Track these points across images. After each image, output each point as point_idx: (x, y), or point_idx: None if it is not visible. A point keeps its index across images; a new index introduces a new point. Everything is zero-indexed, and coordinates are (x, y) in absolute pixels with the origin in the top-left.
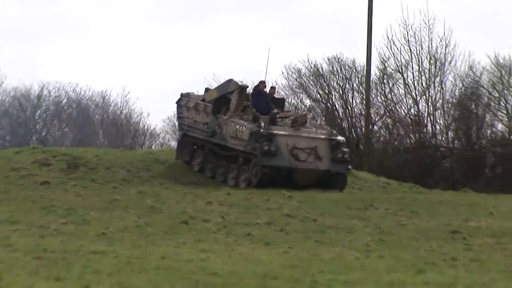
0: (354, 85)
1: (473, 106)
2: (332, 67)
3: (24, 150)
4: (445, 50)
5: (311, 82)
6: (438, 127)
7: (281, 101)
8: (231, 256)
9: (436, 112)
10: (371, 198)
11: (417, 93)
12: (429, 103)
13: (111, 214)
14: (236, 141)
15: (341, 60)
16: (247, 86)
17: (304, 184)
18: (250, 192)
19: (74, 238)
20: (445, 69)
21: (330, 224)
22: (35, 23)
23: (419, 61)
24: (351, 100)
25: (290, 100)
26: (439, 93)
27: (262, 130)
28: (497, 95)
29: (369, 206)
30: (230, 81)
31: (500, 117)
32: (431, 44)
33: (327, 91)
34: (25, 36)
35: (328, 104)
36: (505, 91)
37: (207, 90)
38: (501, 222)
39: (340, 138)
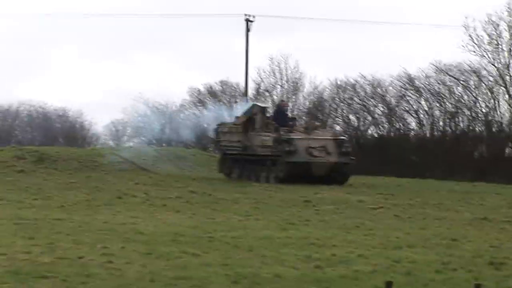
0: (237, 101)
1: (319, 114)
2: (222, 87)
3: (6, 148)
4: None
5: (207, 99)
6: None
7: (294, 119)
8: (152, 220)
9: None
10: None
11: None
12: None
13: (68, 192)
14: (264, 149)
15: (228, 83)
16: (267, 107)
17: (320, 175)
18: (166, 175)
19: (42, 209)
20: (298, 88)
21: (221, 197)
22: None
23: (281, 84)
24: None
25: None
26: (295, 105)
27: (283, 136)
28: (335, 106)
29: (247, 184)
30: (254, 105)
31: (339, 122)
32: (287, 73)
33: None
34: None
35: None
36: (341, 103)
37: (236, 117)
38: (337, 193)
39: (343, 137)
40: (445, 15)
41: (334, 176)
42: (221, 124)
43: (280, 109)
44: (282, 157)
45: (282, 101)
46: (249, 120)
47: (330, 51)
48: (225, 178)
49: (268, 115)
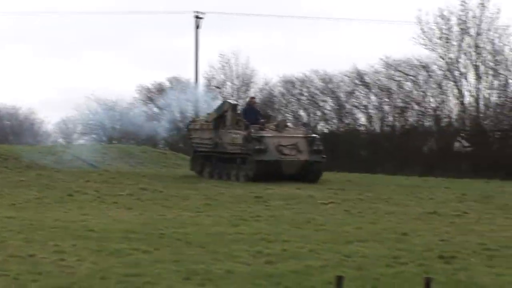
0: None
1: (269, 110)
2: (172, 84)
3: None
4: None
5: (156, 96)
6: None
7: (269, 117)
8: (103, 217)
9: None
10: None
11: None
12: None
13: (19, 190)
14: (234, 146)
15: (178, 79)
16: (238, 104)
17: (290, 173)
18: (116, 172)
19: None
20: (249, 85)
21: (172, 194)
22: None
23: (231, 80)
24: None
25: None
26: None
27: (252, 134)
28: (285, 102)
29: (198, 181)
30: (224, 102)
31: (289, 118)
32: (238, 69)
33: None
34: None
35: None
36: (290, 99)
37: (208, 114)
38: (288, 188)
39: (315, 135)
40: (398, 10)
41: (306, 174)
42: (193, 121)
43: (250, 106)
44: (252, 156)
45: (252, 98)
46: (220, 117)
47: (282, 48)
48: (196, 175)
49: (239, 112)
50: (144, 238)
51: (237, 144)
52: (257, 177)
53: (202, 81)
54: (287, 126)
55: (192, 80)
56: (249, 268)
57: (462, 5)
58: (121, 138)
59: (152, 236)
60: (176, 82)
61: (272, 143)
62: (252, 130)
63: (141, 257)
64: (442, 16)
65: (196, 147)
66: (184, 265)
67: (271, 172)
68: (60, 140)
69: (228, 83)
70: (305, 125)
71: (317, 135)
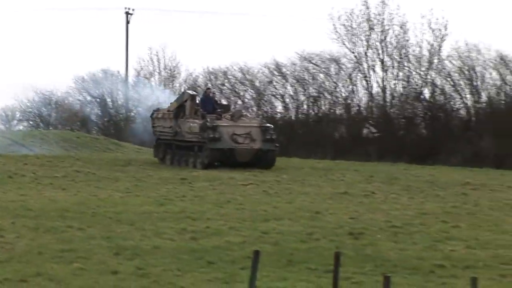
0: (119, 87)
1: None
2: (105, 75)
3: None
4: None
5: (90, 85)
6: None
7: (227, 106)
8: (40, 198)
9: None
10: (129, 159)
11: None
12: None
13: None
14: (191, 135)
15: (109, 71)
16: (197, 94)
17: (244, 161)
18: (52, 156)
19: None
20: (174, 76)
21: (103, 176)
22: None
23: (159, 71)
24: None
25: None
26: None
27: (208, 123)
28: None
29: (128, 164)
30: (184, 92)
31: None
32: (165, 62)
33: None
34: None
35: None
36: (213, 89)
37: (170, 104)
38: (211, 171)
39: (269, 125)
40: (313, 8)
41: (259, 161)
42: (156, 110)
43: (206, 96)
44: (207, 144)
45: (208, 88)
46: (180, 107)
47: (206, 41)
48: (159, 162)
49: (197, 102)
50: (77, 217)
51: (194, 133)
52: (212, 164)
53: (132, 72)
54: (242, 116)
55: (123, 71)
56: (174, 243)
57: (365, 4)
58: (57, 125)
59: (85, 215)
60: (108, 73)
61: (227, 132)
62: (208, 120)
63: (75, 234)
64: (351, 14)
65: (158, 135)
66: (115, 241)
67: (226, 159)
68: (0, 127)
69: (156, 74)
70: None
71: (270, 125)
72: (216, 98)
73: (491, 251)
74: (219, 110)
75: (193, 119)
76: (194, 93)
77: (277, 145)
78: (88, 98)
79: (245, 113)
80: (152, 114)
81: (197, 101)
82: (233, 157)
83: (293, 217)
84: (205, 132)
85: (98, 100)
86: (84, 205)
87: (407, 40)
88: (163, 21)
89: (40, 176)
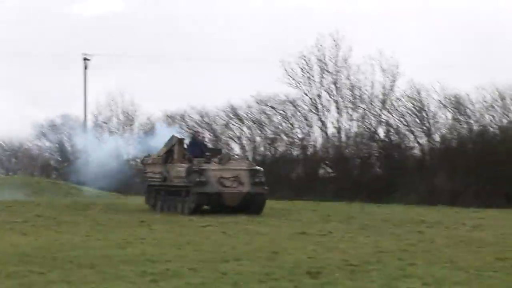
0: (77, 132)
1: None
2: (63, 120)
3: None
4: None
5: (49, 131)
6: None
7: (217, 150)
8: (1, 242)
9: None
10: (90, 202)
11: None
12: None
13: None
14: (178, 179)
15: (68, 116)
16: (184, 138)
17: (232, 205)
18: (13, 201)
19: None
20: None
21: (64, 220)
22: None
23: (117, 116)
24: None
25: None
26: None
27: (194, 167)
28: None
29: (88, 208)
30: (172, 136)
31: None
32: (123, 106)
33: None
34: None
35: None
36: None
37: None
38: (168, 215)
39: (258, 168)
40: (266, 51)
41: (249, 205)
42: (147, 156)
43: (194, 140)
44: (193, 188)
45: (196, 132)
46: (169, 152)
47: (164, 85)
48: (149, 209)
49: (185, 146)
50: (38, 261)
51: (181, 177)
52: (199, 209)
53: (90, 117)
54: (230, 159)
55: (81, 116)
56: (135, 286)
57: (317, 46)
58: (17, 170)
59: (46, 259)
60: (66, 119)
61: (214, 175)
62: (195, 163)
63: (35, 279)
64: (303, 57)
65: (149, 181)
66: (75, 285)
67: (213, 203)
68: None
69: (114, 119)
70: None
71: (260, 168)
72: (205, 142)
73: None
74: (208, 154)
75: (181, 163)
76: (182, 137)
77: (266, 188)
78: (47, 144)
79: (233, 156)
80: (143, 160)
81: (185, 145)
82: (221, 201)
83: (252, 257)
84: (190, 176)
85: (57, 145)
86: (44, 249)
87: (360, 81)
88: (120, 66)
89: (0, 221)
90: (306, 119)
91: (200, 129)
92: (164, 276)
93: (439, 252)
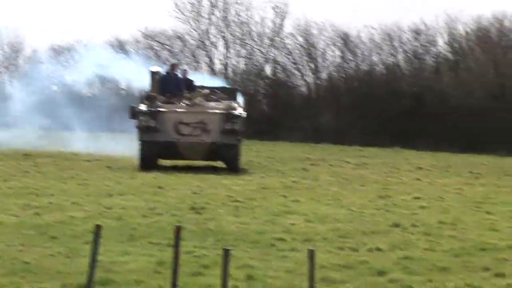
0: None
1: None
2: None
3: None
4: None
5: None
6: None
7: (189, 81)
8: None
9: None
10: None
11: None
12: None
13: None
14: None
15: None
16: (157, 71)
17: (193, 158)
18: None
19: None
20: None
21: None
22: None
23: (2, 48)
24: None
25: None
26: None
27: (143, 108)
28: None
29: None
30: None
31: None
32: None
33: None
34: None
35: None
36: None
37: None
38: (56, 150)
39: (237, 112)
40: None
41: (219, 159)
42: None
43: (170, 73)
44: (141, 135)
45: (174, 64)
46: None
47: (50, 18)
48: None
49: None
50: None
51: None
52: (150, 162)
53: None
54: (204, 97)
55: None
56: (17, 219)
57: None
58: None
59: None
60: None
61: (169, 119)
62: (147, 103)
63: None
64: None
65: None
66: None
67: (167, 156)
68: None
69: None
70: None
71: (239, 112)
72: (189, 77)
73: (329, 225)
74: (179, 90)
75: (143, 104)
76: (156, 69)
77: (240, 138)
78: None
79: (215, 95)
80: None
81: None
82: (176, 153)
83: (136, 192)
84: (138, 120)
85: None
86: None
87: (250, 18)
88: None
89: None
90: (194, 55)
91: (177, 61)
92: (47, 210)
93: (323, 190)
